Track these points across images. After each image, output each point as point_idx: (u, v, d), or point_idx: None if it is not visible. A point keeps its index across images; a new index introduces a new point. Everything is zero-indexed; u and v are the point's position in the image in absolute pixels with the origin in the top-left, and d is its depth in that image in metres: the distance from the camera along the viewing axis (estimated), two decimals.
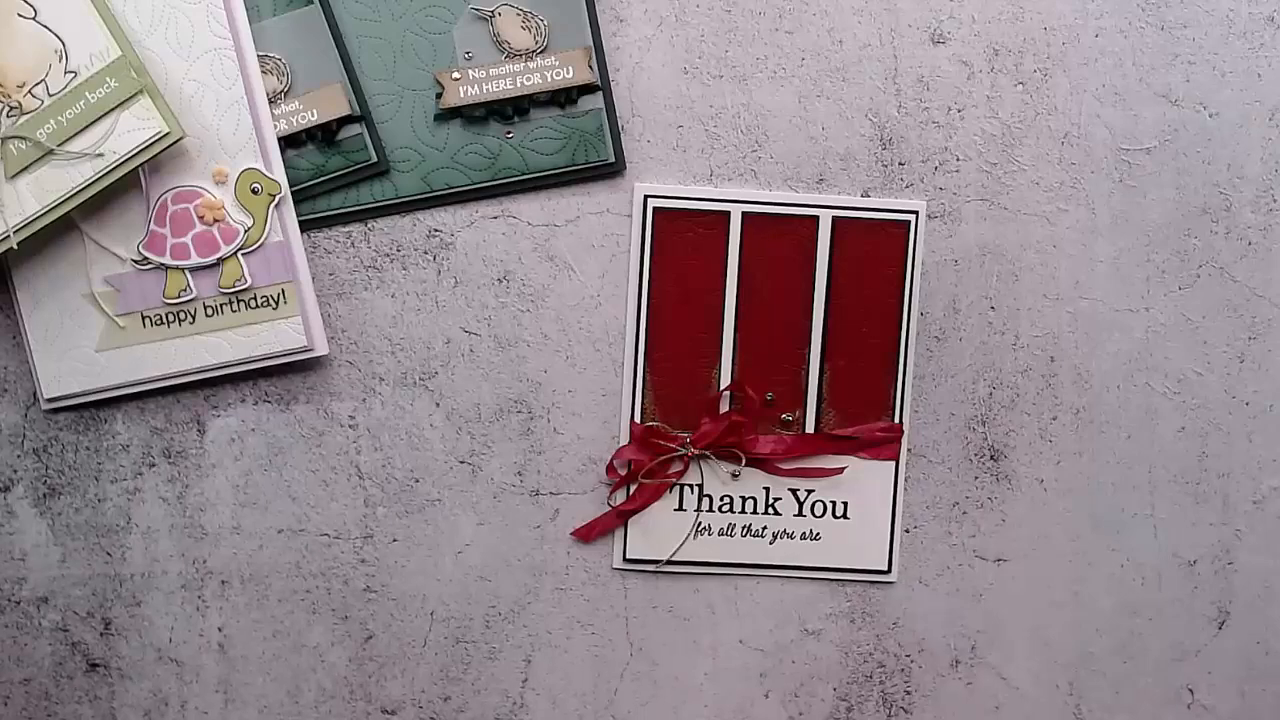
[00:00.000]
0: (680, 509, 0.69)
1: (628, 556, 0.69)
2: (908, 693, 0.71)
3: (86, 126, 0.62)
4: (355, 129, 0.66)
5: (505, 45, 0.66)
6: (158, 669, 0.69)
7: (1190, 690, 0.71)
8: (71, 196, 0.62)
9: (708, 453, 0.68)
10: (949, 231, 0.68)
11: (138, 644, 0.69)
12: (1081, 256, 0.69)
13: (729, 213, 0.67)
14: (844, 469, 0.69)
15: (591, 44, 0.66)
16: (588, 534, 0.69)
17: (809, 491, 0.69)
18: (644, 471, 0.68)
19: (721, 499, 0.69)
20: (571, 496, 0.69)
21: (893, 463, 0.69)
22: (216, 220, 0.65)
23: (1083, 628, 0.71)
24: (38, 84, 0.62)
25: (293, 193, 0.65)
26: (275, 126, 0.65)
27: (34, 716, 0.69)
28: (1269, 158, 0.69)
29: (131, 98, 0.62)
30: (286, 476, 0.68)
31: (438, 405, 0.68)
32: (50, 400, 0.66)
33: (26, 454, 0.68)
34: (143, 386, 0.66)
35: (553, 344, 0.68)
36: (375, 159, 0.66)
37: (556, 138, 0.66)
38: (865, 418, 0.69)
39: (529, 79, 0.65)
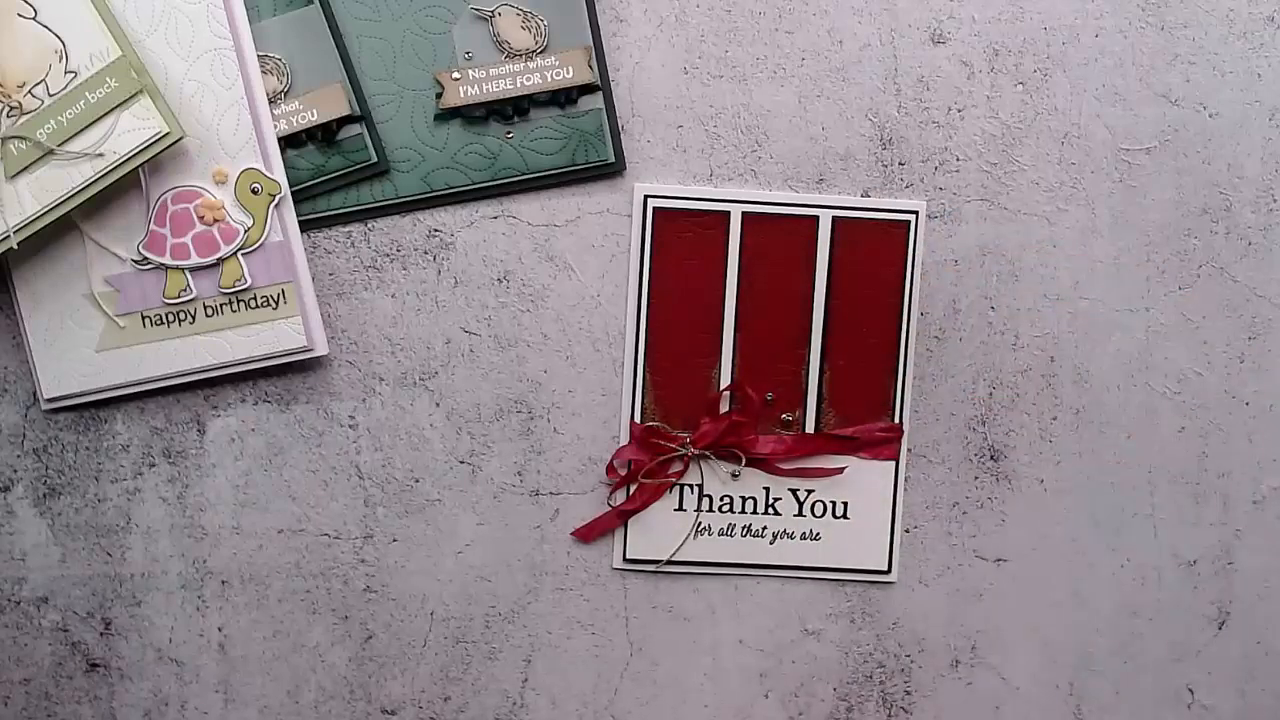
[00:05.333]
0: (680, 509, 0.69)
1: (628, 556, 0.69)
2: (908, 693, 0.71)
3: (86, 126, 0.62)
4: (355, 129, 0.66)
5: (505, 45, 0.66)
6: (158, 669, 0.69)
7: (1190, 690, 0.71)
8: (71, 196, 0.62)
9: (708, 453, 0.68)
10: (949, 231, 0.68)
11: (138, 644, 0.69)
12: (1081, 256, 0.69)
13: (729, 213, 0.67)
14: (844, 469, 0.69)
15: (591, 44, 0.66)
16: (588, 534, 0.69)
17: (809, 491, 0.69)
18: (644, 471, 0.68)
19: (721, 499, 0.69)
20: (571, 496, 0.69)
21: (893, 463, 0.69)
22: (216, 220, 0.65)
23: (1083, 628, 0.71)
24: (38, 84, 0.62)
25: (293, 193, 0.65)
26: (275, 126, 0.65)
27: (34, 716, 0.69)
28: (1269, 158, 0.69)
29: (131, 98, 0.62)
30: (286, 476, 0.68)
31: (438, 405, 0.68)
32: (50, 400, 0.66)
33: (26, 454, 0.68)
34: (143, 386, 0.66)
35: (553, 344, 0.68)
36: (375, 159, 0.66)
37: (556, 138, 0.66)
38: (865, 418, 0.69)
39: (529, 79, 0.65)
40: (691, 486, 0.69)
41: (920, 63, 0.68)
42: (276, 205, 0.65)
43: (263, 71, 0.65)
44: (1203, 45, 0.68)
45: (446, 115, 0.66)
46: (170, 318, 0.66)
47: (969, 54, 0.68)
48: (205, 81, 0.64)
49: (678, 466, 0.68)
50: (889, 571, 0.70)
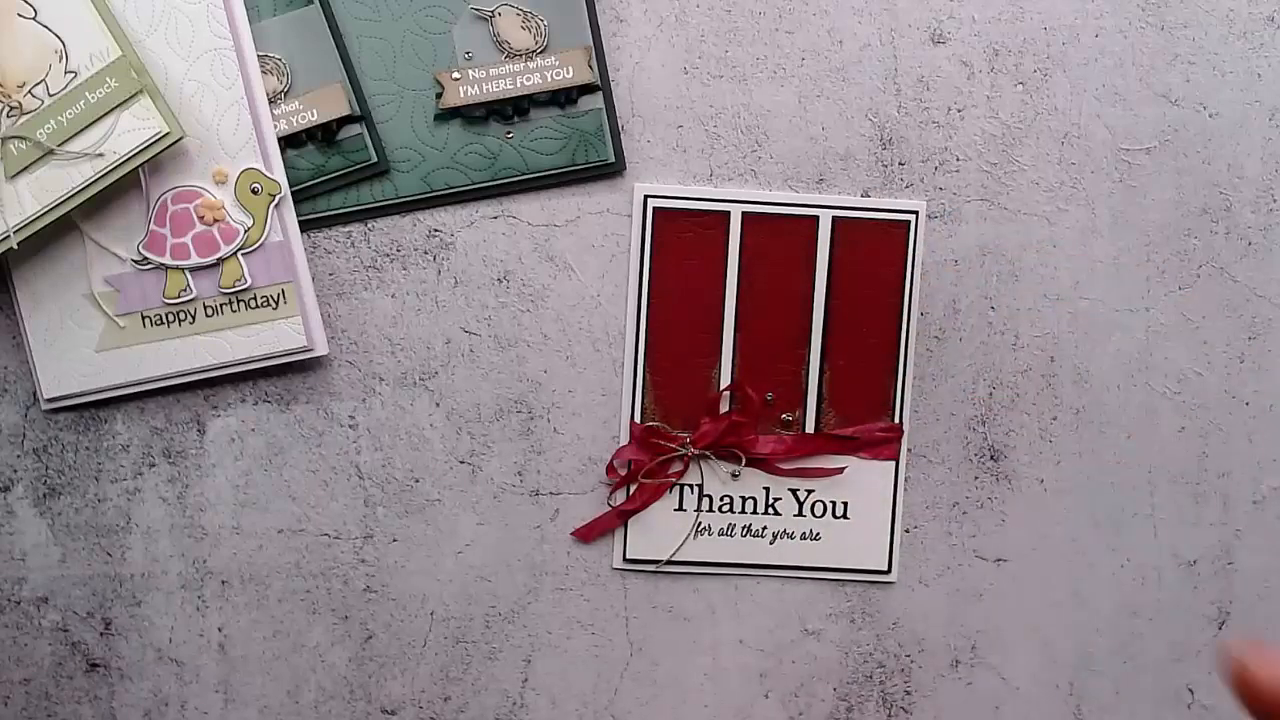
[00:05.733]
0: (680, 509, 0.69)
1: (628, 556, 0.69)
2: (908, 693, 0.71)
3: (86, 126, 0.62)
4: (355, 129, 0.66)
5: (505, 45, 0.66)
6: (158, 669, 0.69)
7: (1190, 690, 0.71)
8: (71, 196, 0.62)
9: (708, 453, 0.68)
10: (949, 231, 0.68)
11: (138, 644, 0.69)
12: (1081, 256, 0.69)
13: (729, 213, 0.67)
14: (844, 469, 0.69)
15: (591, 44, 0.66)
16: (588, 534, 0.69)
17: (809, 491, 0.69)
18: (644, 471, 0.68)
19: (721, 499, 0.69)
20: (571, 496, 0.69)
21: (893, 463, 0.69)
22: (216, 220, 0.65)
23: (1083, 628, 0.71)
24: (38, 84, 0.62)
25: (293, 193, 0.65)
26: (275, 126, 0.65)
27: (34, 716, 0.69)
28: (1269, 158, 0.69)
29: (131, 98, 0.62)
30: (286, 476, 0.68)
31: (438, 405, 0.68)
32: (50, 400, 0.66)
33: (26, 454, 0.68)
34: (143, 386, 0.66)
35: (553, 344, 0.68)
36: (375, 159, 0.66)
37: (556, 138, 0.66)
38: (865, 418, 0.69)
39: (529, 79, 0.66)
40: (691, 486, 0.69)
41: (920, 63, 0.68)
42: (276, 205, 0.65)
43: (263, 71, 0.65)
44: (1203, 45, 0.68)
45: (446, 115, 0.66)
46: (170, 318, 0.66)
47: (969, 54, 0.68)
48: (205, 81, 0.64)
49: (678, 466, 0.68)
50: (889, 571, 0.70)
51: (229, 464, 0.68)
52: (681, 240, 0.68)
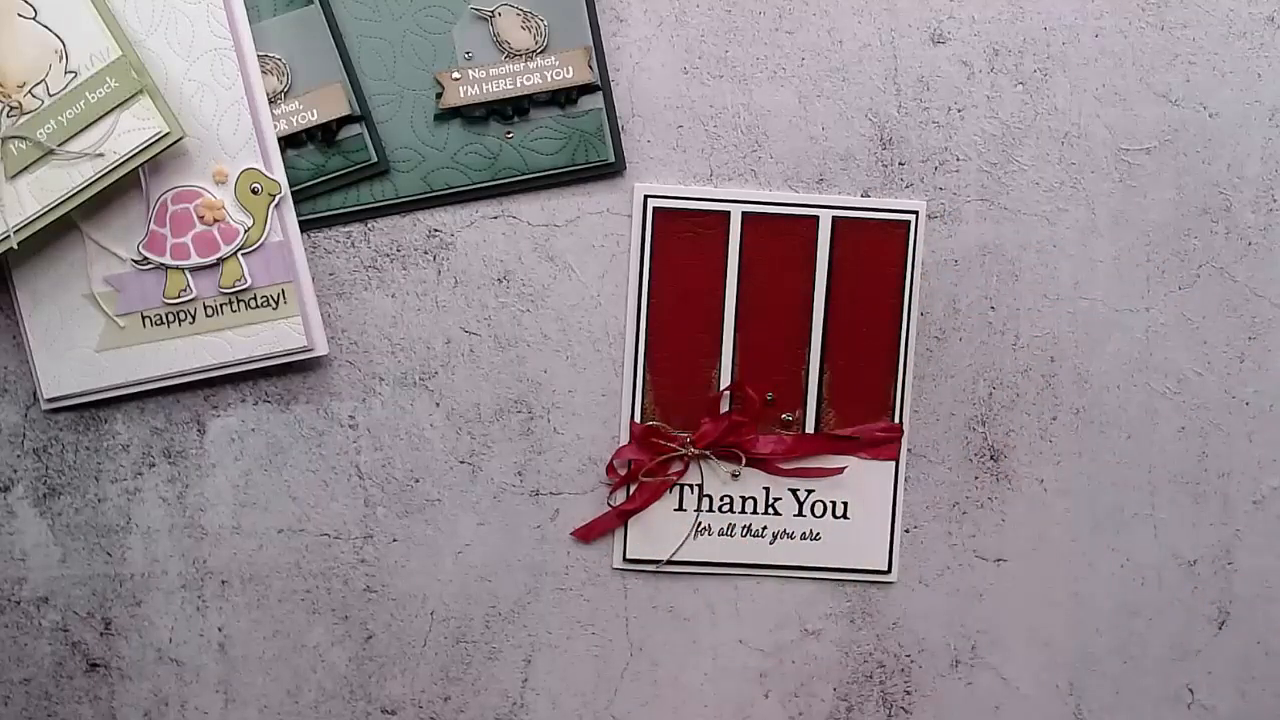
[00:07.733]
0: (680, 509, 0.69)
1: (628, 556, 0.69)
2: (908, 693, 0.71)
3: (86, 126, 0.62)
4: (355, 129, 0.66)
5: (505, 45, 0.66)
6: (158, 669, 0.69)
7: (1190, 690, 0.71)
8: (71, 196, 0.62)
9: (708, 453, 0.68)
10: (949, 231, 0.68)
11: (138, 644, 0.69)
12: (1081, 256, 0.69)
13: (729, 213, 0.67)
14: (844, 469, 0.69)
15: (591, 44, 0.66)
16: (588, 534, 0.69)
17: (809, 491, 0.69)
18: (644, 471, 0.68)
19: (721, 499, 0.69)
20: (571, 496, 0.69)
21: (893, 463, 0.69)
22: (216, 220, 0.65)
23: (1083, 628, 0.71)
24: (38, 84, 0.62)
25: (293, 193, 0.65)
26: (275, 126, 0.65)
27: (34, 716, 0.69)
28: (1269, 158, 0.69)
29: (131, 98, 0.62)
30: (286, 476, 0.68)
31: (438, 405, 0.68)
32: (50, 400, 0.66)
33: (26, 454, 0.68)
34: (143, 386, 0.66)
35: (553, 344, 0.68)
36: (375, 159, 0.66)
37: (556, 138, 0.66)
38: (865, 418, 0.69)
39: (529, 79, 0.66)
40: (691, 486, 0.69)
41: (920, 63, 0.68)
42: (276, 205, 0.65)
43: (263, 71, 0.65)
44: (1203, 45, 0.68)
45: (446, 115, 0.66)
46: (170, 318, 0.66)
47: (969, 54, 0.68)
48: (205, 81, 0.64)
49: (678, 466, 0.68)
50: (889, 571, 0.70)
51: (229, 464, 0.68)
52: (681, 240, 0.68)
